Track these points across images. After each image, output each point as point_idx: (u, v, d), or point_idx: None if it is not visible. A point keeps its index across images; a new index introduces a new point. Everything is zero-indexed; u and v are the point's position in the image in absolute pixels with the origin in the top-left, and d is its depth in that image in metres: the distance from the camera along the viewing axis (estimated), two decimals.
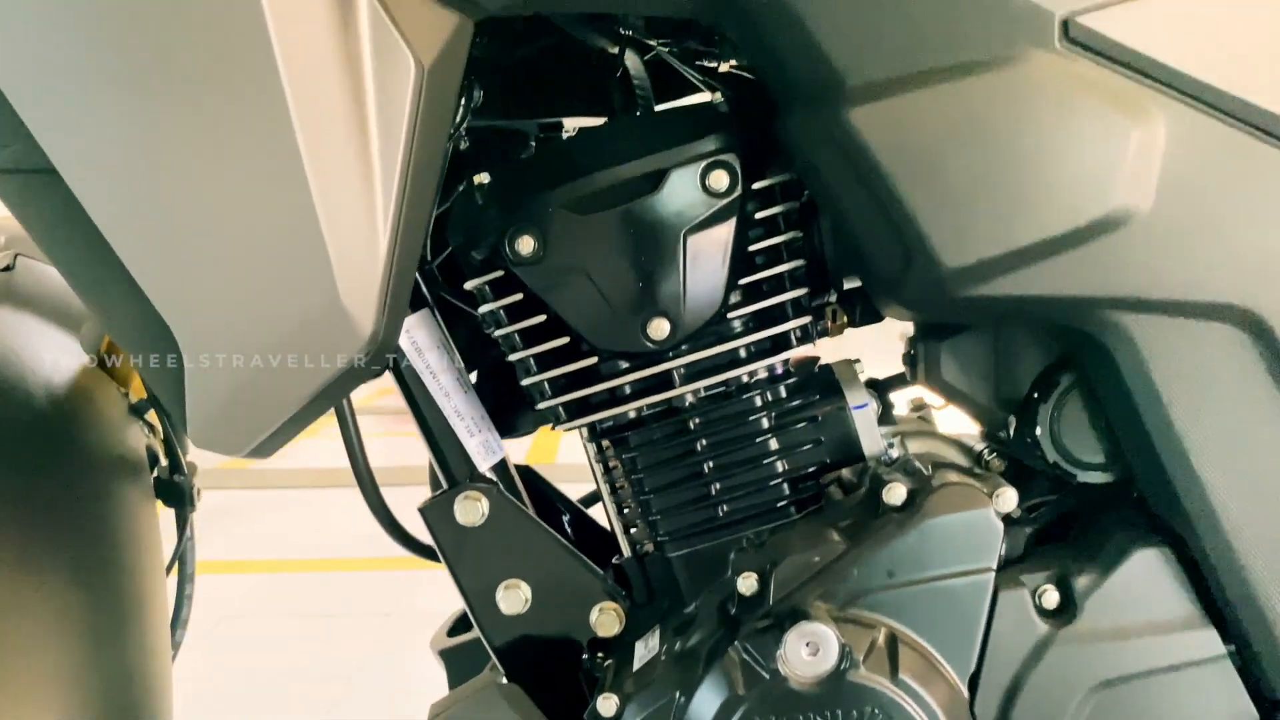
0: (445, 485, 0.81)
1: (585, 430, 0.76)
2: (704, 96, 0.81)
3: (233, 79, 0.53)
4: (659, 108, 0.84)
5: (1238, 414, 0.61)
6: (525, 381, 0.74)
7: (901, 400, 0.88)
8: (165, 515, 1.01)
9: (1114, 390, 0.64)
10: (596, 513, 0.90)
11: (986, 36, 0.58)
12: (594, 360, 0.72)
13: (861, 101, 0.60)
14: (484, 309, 0.74)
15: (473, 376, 0.88)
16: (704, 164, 0.69)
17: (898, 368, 0.83)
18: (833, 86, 0.61)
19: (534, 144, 0.95)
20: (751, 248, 0.71)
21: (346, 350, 0.57)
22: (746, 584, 0.67)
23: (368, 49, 0.54)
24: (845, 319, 0.78)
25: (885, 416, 0.84)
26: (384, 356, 0.60)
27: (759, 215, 0.71)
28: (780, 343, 0.72)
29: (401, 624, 2.75)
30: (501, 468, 0.82)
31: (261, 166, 0.54)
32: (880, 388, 0.85)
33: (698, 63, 0.84)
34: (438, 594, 0.83)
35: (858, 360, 0.78)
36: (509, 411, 0.87)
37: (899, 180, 0.60)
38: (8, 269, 0.94)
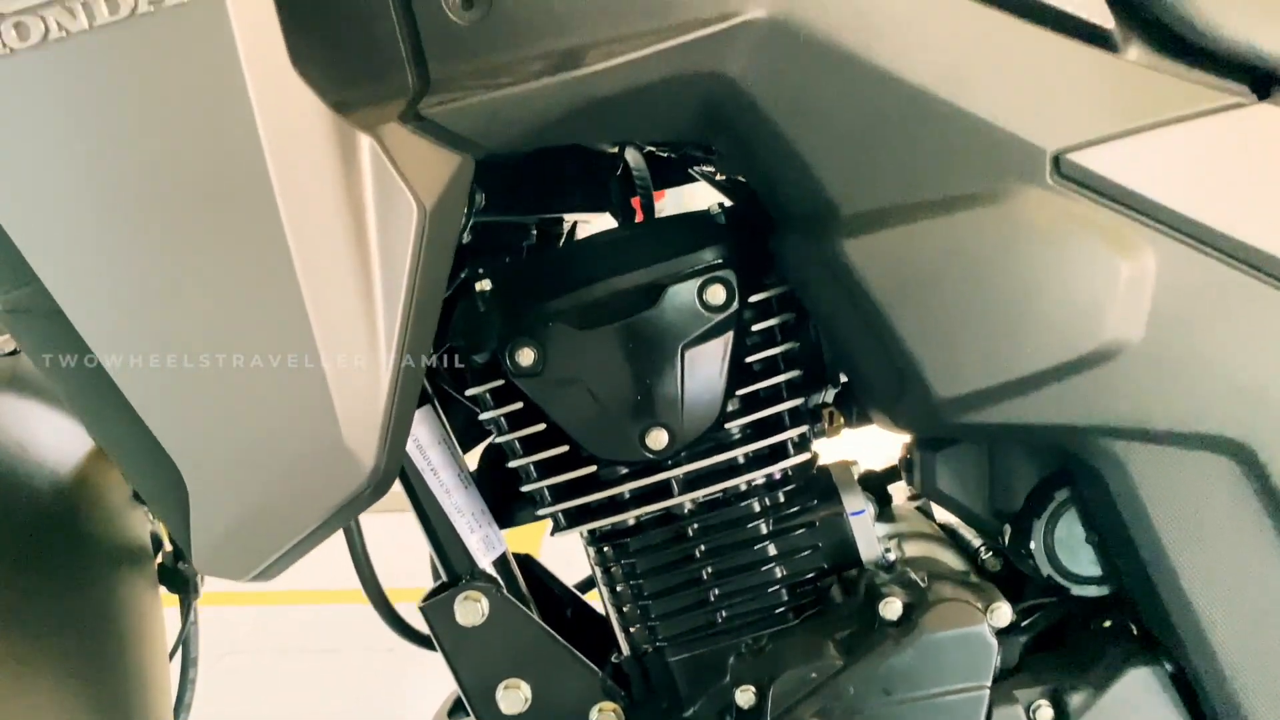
0: (446, 579, 0.81)
1: (585, 534, 0.77)
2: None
3: (234, 223, 0.53)
4: (659, 197, 0.85)
5: (1229, 542, 0.61)
6: (525, 488, 0.75)
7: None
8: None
9: (1107, 511, 0.65)
10: (595, 597, 0.91)
11: (978, 171, 0.59)
12: (593, 468, 0.73)
13: (855, 232, 0.61)
14: (485, 416, 0.75)
15: (474, 454, 0.89)
16: (701, 279, 0.70)
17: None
18: (826, 214, 0.62)
19: (534, 232, 0.97)
20: (749, 359, 0.72)
21: (348, 486, 0.57)
22: (745, 697, 0.68)
23: (370, 194, 0.55)
24: (842, 420, 0.79)
25: (884, 510, 0.85)
26: (387, 485, 0.61)
27: (756, 327, 0.72)
28: (778, 451, 0.73)
29: (405, 660, 2.75)
30: (502, 562, 0.83)
31: (263, 308, 0.55)
32: (877, 482, 0.86)
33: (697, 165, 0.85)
34: None
35: (855, 462, 0.79)
36: (509, 501, 0.88)
37: (892, 311, 0.61)
38: (13, 354, 0.95)
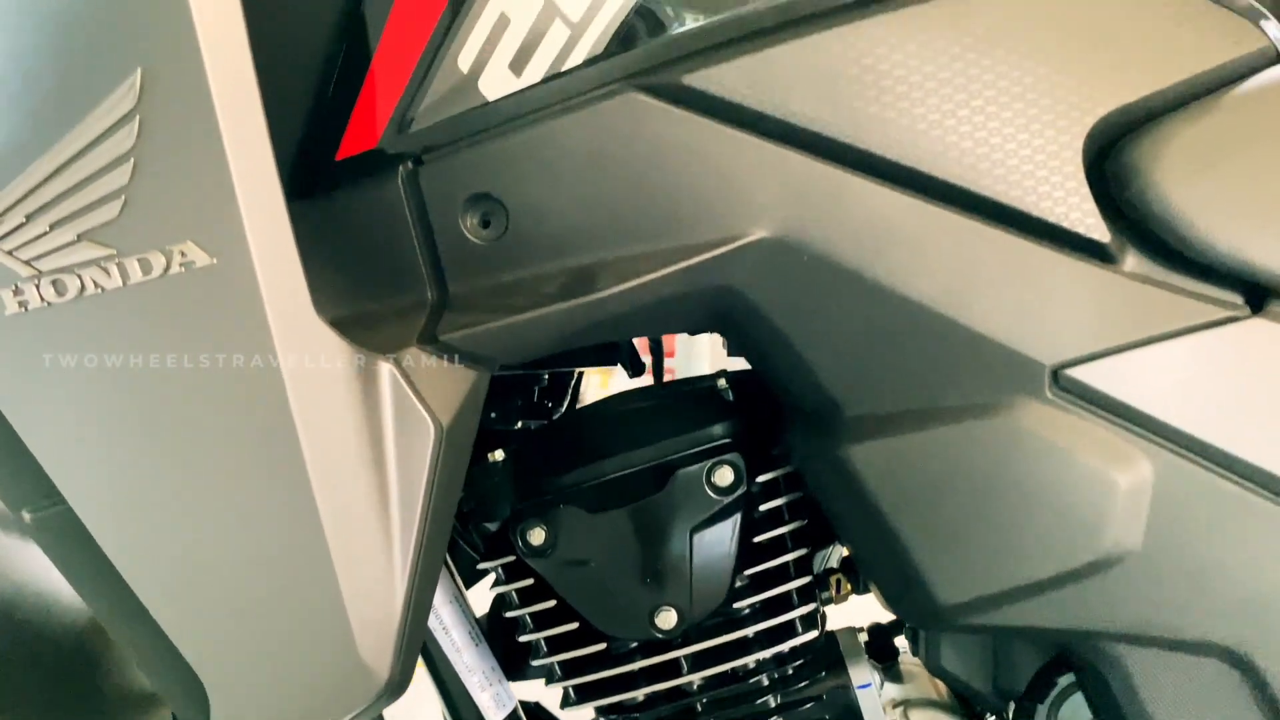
0: None
1: (594, 708, 0.78)
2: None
3: (257, 453, 0.55)
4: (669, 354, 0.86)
5: None
6: (536, 662, 0.76)
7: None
8: None
9: (1107, 704, 0.65)
10: None
11: (979, 384, 0.61)
12: (603, 645, 0.74)
13: (859, 436, 0.62)
14: (496, 590, 0.76)
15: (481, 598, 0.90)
16: (709, 462, 0.71)
17: None
18: (831, 414, 0.63)
19: (545, 377, 0.98)
20: (757, 539, 0.73)
21: (364, 698, 0.59)
22: None
23: (389, 418, 0.57)
24: (849, 588, 0.80)
25: (891, 667, 0.86)
26: (403, 688, 0.63)
27: (764, 506, 0.73)
28: (786, 628, 0.74)
29: None
30: (513, 718, 0.84)
31: (282, 528, 0.56)
32: (884, 636, 0.86)
33: None
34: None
35: (862, 629, 0.80)
36: (518, 651, 0.89)
37: (894, 516, 0.62)
38: None
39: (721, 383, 0.76)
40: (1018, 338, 0.60)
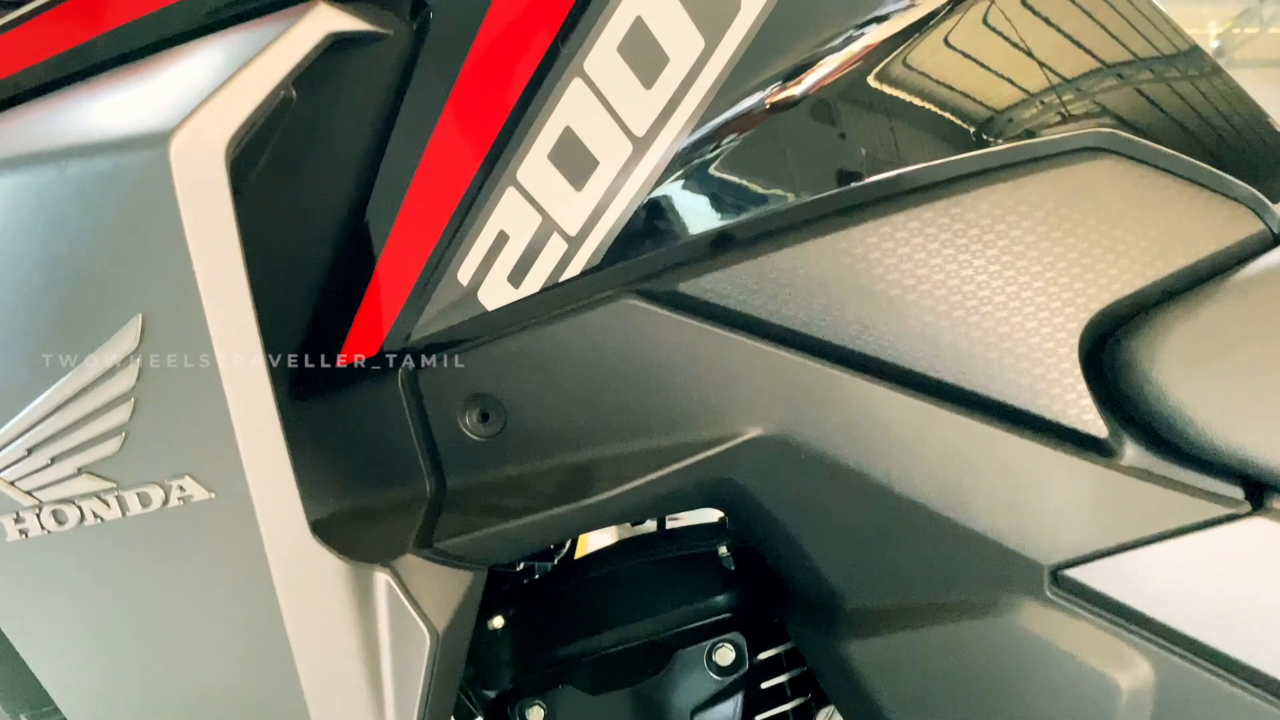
0: None
1: None
2: None
3: (251, 664, 0.55)
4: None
5: None
6: None
7: None
8: None
9: None
10: None
11: (977, 582, 0.61)
12: None
13: (857, 630, 0.62)
14: None
15: None
16: (710, 641, 0.71)
17: None
18: (830, 603, 0.63)
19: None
20: (759, 718, 0.73)
21: None
22: None
23: (385, 628, 0.57)
24: None
25: None
26: None
27: (766, 684, 0.73)
28: None
29: None
30: None
31: None
32: None
33: None
34: None
35: None
36: None
37: (891, 710, 0.62)
38: None
39: (723, 550, 0.75)
40: (1016, 538, 0.60)
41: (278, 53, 0.50)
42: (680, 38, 0.55)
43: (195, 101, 0.47)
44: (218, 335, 0.48)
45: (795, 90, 0.58)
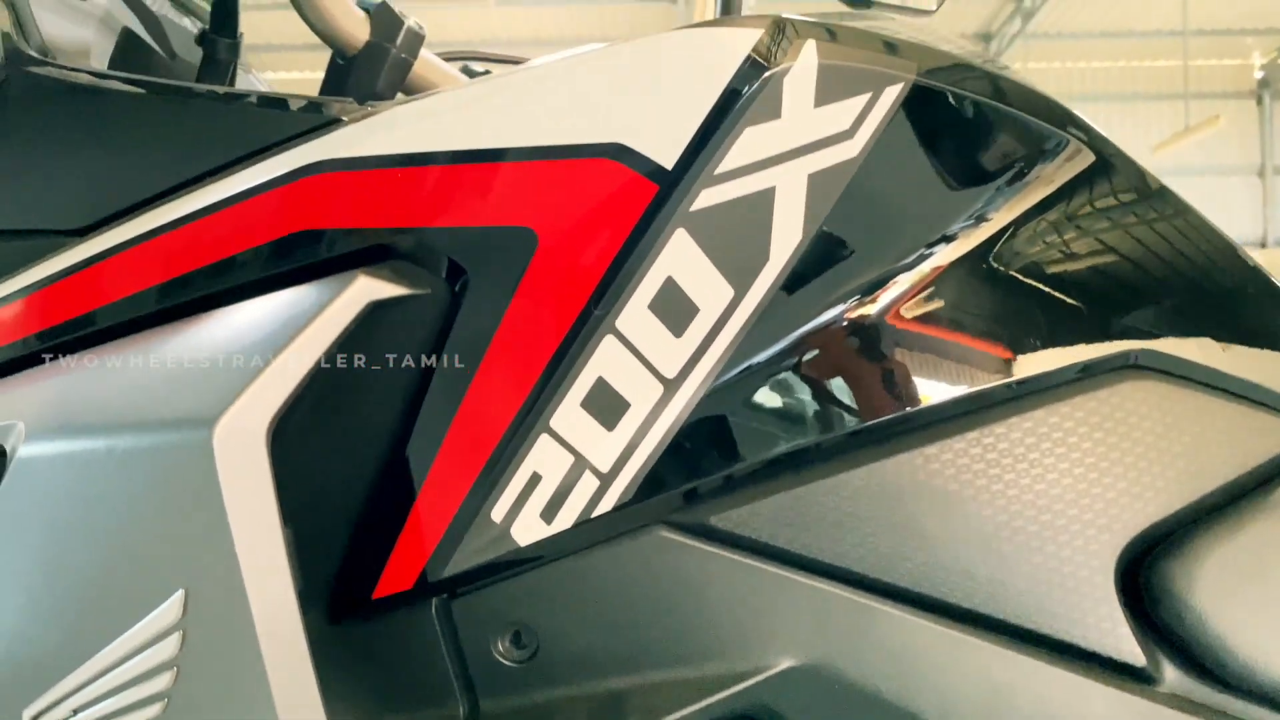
0: None
1: None
2: None
3: None
4: None
5: None
6: None
7: None
8: None
9: None
10: None
11: None
12: None
13: None
14: None
15: None
16: None
17: None
18: None
19: None
20: None
21: None
22: None
23: None
24: None
25: None
26: None
27: None
28: None
29: None
30: None
31: None
32: None
33: None
34: None
35: None
36: None
37: None
38: None
39: None
40: None
41: (319, 329, 0.51)
42: (710, 289, 0.56)
43: (239, 384, 0.49)
44: (259, 611, 0.49)
45: (822, 328, 0.59)
